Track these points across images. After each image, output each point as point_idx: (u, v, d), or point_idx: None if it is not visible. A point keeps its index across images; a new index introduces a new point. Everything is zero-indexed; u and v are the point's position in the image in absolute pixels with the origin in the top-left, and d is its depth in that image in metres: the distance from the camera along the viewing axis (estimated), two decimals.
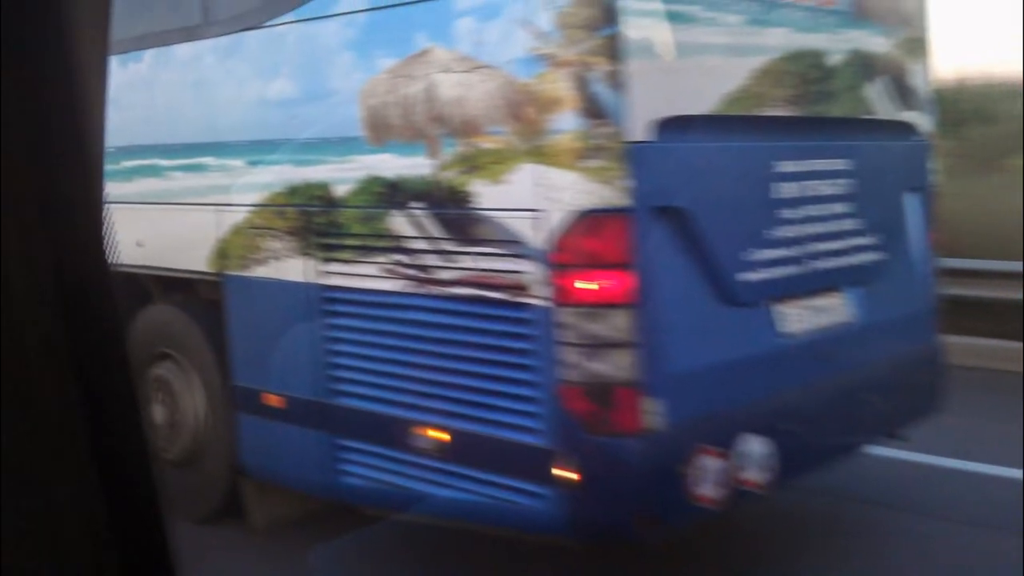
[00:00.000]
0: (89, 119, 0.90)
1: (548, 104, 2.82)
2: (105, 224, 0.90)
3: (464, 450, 3.02)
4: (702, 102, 3.02)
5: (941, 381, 3.90)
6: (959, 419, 4.11)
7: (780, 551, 3.66)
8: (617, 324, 2.80)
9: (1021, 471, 4.08)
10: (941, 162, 3.63)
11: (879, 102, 3.56)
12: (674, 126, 2.91)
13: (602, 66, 2.78)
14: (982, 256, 6.33)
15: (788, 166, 3.21)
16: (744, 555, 3.68)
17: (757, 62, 3.16)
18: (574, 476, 2.86)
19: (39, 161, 0.86)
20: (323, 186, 3.32)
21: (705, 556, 3.58)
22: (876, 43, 3.53)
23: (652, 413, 2.84)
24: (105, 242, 0.90)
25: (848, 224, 3.44)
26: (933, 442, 4.32)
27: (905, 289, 3.75)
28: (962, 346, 5.18)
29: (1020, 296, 6.49)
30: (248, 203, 3.58)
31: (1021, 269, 6.32)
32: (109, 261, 0.89)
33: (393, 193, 3.10)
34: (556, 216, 2.79)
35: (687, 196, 2.93)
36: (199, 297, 4.02)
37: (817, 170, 3.30)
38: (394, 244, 3.12)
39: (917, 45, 3.82)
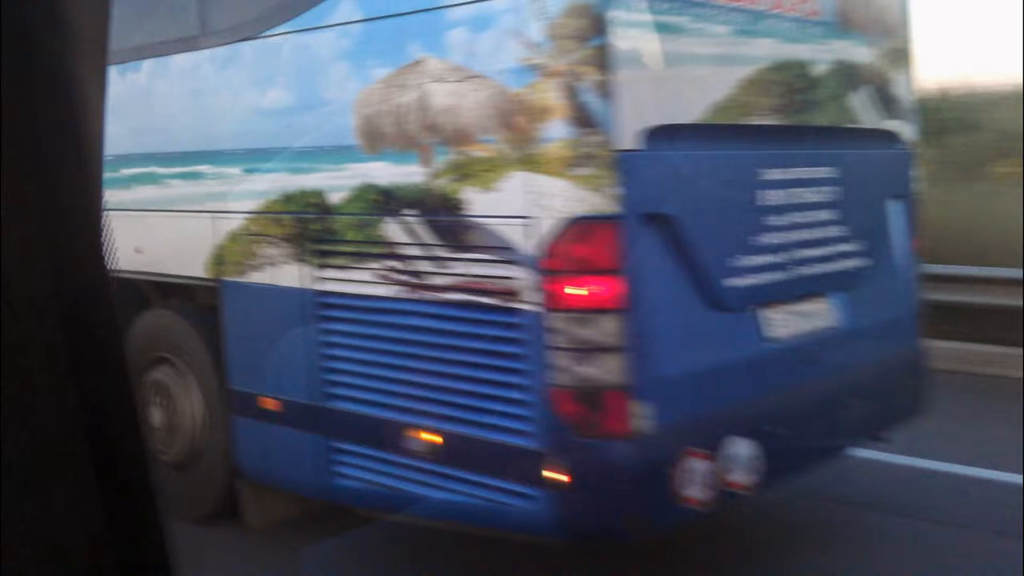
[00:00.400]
0: (88, 128, 0.91)
1: (539, 113, 2.82)
2: (104, 231, 0.91)
3: (456, 452, 3.02)
4: (690, 111, 3.02)
5: (924, 384, 3.91)
6: (938, 422, 4.12)
7: (767, 552, 3.66)
8: (606, 329, 2.81)
9: (1021, 475, 4.08)
10: (924, 170, 3.65)
11: (863, 111, 3.57)
12: (662, 134, 2.92)
13: (592, 76, 2.79)
14: (964, 262, 6.34)
15: (774, 174, 3.22)
16: (731, 556, 3.68)
17: (744, 72, 3.16)
18: (564, 478, 2.87)
19: (39, 169, 0.87)
20: (318, 194, 3.32)
21: (692, 557, 3.58)
22: (860, 53, 3.54)
23: (641, 416, 2.85)
24: (104, 248, 0.91)
25: (833, 231, 3.44)
26: (914, 444, 4.33)
27: (889, 294, 3.76)
28: (943, 350, 5.19)
29: (1000, 301, 6.51)
30: (244, 210, 3.58)
31: (1002, 275, 6.33)
32: (108, 267, 0.89)
33: (387, 200, 3.10)
34: (547, 223, 2.80)
35: (675, 203, 2.93)
36: (196, 302, 4.02)
37: (803, 178, 3.31)
38: (388, 250, 3.12)
39: (900, 55, 3.83)
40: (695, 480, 2.93)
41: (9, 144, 0.83)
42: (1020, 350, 5.95)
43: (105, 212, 0.90)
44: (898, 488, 4.33)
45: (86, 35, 0.92)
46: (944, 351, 5.02)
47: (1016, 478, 4.13)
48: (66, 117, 0.87)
